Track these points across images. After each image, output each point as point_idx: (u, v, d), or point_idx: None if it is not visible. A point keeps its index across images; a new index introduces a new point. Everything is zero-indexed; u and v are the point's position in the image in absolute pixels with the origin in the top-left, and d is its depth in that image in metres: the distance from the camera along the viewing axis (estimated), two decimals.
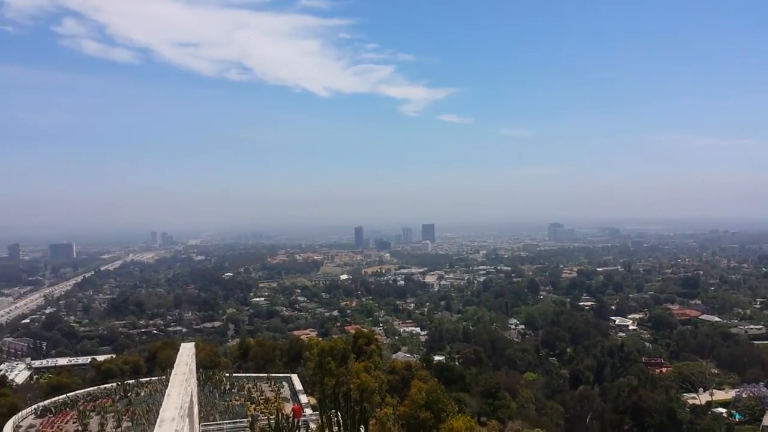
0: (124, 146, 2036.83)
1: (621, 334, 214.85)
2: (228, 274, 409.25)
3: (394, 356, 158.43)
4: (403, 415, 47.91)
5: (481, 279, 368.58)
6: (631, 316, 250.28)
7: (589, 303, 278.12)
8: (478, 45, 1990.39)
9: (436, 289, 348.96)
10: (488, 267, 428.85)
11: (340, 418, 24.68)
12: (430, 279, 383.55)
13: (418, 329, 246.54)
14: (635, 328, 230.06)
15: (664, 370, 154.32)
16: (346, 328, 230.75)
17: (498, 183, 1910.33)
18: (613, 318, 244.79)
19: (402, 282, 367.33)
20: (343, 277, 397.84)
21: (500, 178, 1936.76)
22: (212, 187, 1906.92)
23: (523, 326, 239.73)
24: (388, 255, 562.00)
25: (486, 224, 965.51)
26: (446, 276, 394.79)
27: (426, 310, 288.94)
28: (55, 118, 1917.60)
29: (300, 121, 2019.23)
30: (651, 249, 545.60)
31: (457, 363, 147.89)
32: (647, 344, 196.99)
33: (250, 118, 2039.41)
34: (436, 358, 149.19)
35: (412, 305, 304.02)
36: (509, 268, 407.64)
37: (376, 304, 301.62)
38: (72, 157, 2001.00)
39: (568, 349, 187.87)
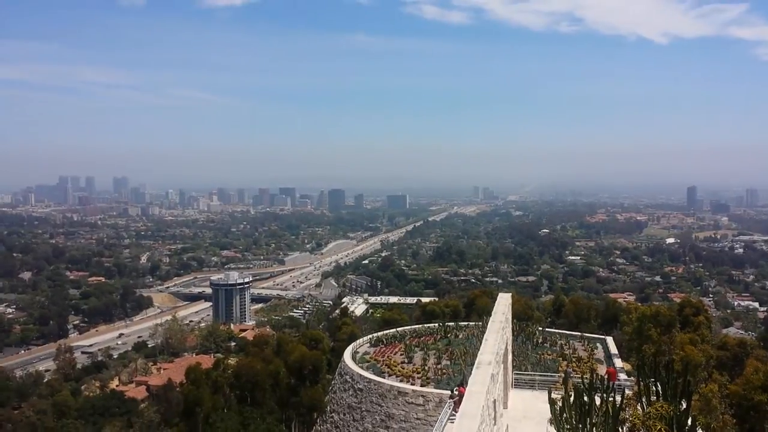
0: (453, 106, 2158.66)
1: None
2: (544, 230, 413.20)
3: (724, 331, 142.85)
4: (733, 394, 43.59)
5: None
6: None
7: None
8: None
9: None
10: None
11: (659, 389, 23.14)
12: None
13: (756, 304, 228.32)
14: None
15: None
16: (669, 295, 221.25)
17: None
18: None
19: (740, 250, 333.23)
20: (670, 240, 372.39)
21: None
22: (533, 143, 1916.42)
23: None
24: (725, 219, 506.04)
25: None
26: None
27: None
28: (389, 82, 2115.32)
29: (634, 71, 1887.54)
30: None
31: None
32: None
33: (579, 72, 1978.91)
34: None
35: (751, 277, 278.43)
36: None
37: (707, 273, 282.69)
38: (411, 117, 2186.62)
39: None
